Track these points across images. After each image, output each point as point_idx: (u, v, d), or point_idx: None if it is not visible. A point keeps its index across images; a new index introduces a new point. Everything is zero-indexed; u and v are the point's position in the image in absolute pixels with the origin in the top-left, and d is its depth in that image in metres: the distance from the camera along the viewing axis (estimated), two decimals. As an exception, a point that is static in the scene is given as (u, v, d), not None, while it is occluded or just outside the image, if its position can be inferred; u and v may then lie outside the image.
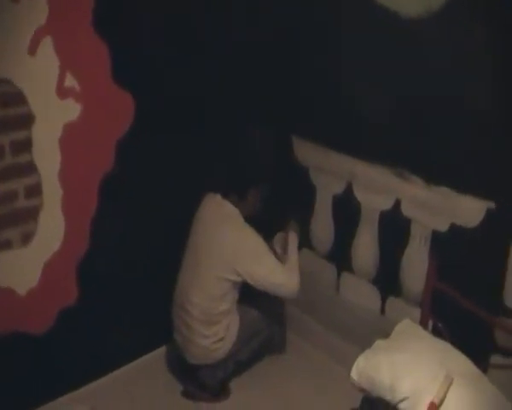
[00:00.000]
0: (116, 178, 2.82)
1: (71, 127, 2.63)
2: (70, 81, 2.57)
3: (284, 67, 3.28)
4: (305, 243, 3.38)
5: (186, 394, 3.10)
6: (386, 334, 2.68)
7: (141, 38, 2.78)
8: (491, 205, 2.61)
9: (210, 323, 2.95)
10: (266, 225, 3.11)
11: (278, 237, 3.22)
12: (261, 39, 3.18)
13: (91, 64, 2.63)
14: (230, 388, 3.15)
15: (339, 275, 3.35)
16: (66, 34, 2.51)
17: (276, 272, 2.92)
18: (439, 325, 2.74)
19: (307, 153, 3.33)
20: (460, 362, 2.47)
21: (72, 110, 2.62)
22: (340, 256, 3.16)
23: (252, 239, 2.93)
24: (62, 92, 2.56)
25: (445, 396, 2.28)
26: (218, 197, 2.99)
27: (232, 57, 3.14)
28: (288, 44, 3.23)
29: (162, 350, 3.30)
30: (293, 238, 3.10)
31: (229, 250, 2.89)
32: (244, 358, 3.15)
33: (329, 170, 3.24)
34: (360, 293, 3.26)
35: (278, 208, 3.33)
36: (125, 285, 3.01)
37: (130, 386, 3.09)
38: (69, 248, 2.75)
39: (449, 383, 2.31)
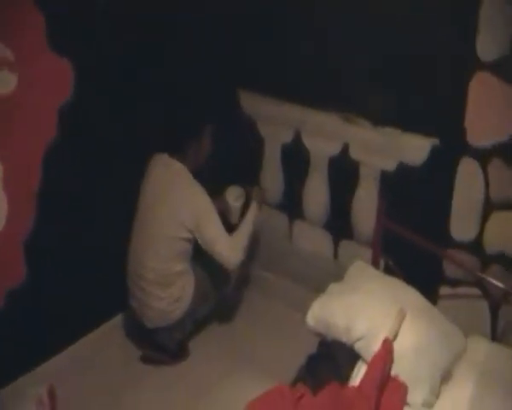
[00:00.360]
0: (59, 149, 2.70)
1: (7, 99, 2.47)
2: (2, 51, 2.42)
3: (230, 22, 3.25)
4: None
5: (145, 358, 3.08)
6: (340, 277, 2.77)
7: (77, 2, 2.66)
8: (436, 142, 2.69)
9: (165, 284, 2.92)
10: (216, 177, 3.12)
11: (231, 189, 3.21)
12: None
13: (25, 31, 2.48)
14: (189, 348, 3.15)
15: (291, 224, 3.39)
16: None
17: (220, 240, 2.88)
18: (391, 263, 2.85)
19: (254, 105, 3.32)
20: (412, 297, 2.57)
21: (6, 81, 2.46)
22: (292, 205, 3.18)
23: (201, 198, 2.89)
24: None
25: (398, 331, 2.37)
26: (165, 157, 2.94)
27: (176, 12, 3.06)
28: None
29: (119, 318, 3.26)
30: (253, 209, 3.08)
31: (180, 208, 2.85)
32: (201, 316, 3.15)
33: (277, 120, 3.24)
34: (313, 239, 3.31)
35: (228, 161, 3.34)
36: (76, 258, 2.92)
37: (89, 358, 3.04)
38: (13, 227, 2.62)
39: (402, 317, 2.41)
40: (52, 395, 2.67)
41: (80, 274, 2.96)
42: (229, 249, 2.89)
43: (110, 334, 3.19)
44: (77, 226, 2.90)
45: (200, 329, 3.23)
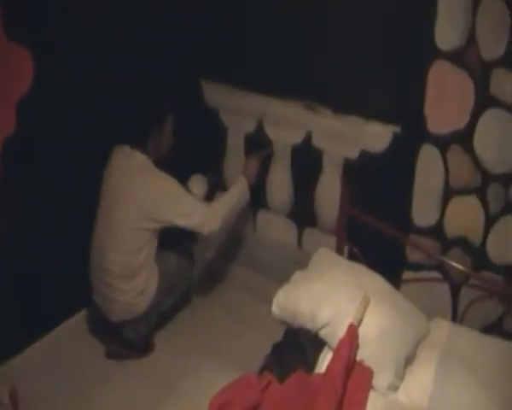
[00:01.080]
0: (19, 141, 2.65)
1: None
2: None
3: (192, 10, 3.21)
4: (218, 186, 3.41)
5: (110, 354, 3.06)
6: (304, 266, 2.79)
7: None
8: (397, 129, 2.74)
9: (129, 277, 2.91)
10: (179, 167, 3.10)
11: (194, 178, 3.22)
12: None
13: None
14: (155, 341, 3.13)
15: (254, 213, 3.41)
16: None
17: (194, 212, 2.90)
18: (355, 249, 2.90)
19: (217, 95, 3.31)
20: (375, 282, 2.62)
21: None
22: (255, 194, 3.18)
23: (165, 183, 2.88)
24: None
25: (363, 316, 2.41)
26: (127, 148, 2.91)
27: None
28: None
29: (82, 314, 3.23)
30: (240, 182, 3.08)
31: (144, 199, 2.83)
32: (166, 309, 3.14)
33: (240, 110, 3.25)
34: (277, 228, 3.33)
35: (191, 151, 3.35)
36: (37, 254, 2.89)
37: (52, 356, 3.00)
38: None
39: (366, 303, 2.44)
40: (14, 396, 2.61)
41: (41, 270, 2.91)
42: (203, 215, 2.91)
43: (73, 331, 3.16)
44: (36, 221, 2.85)
45: (166, 321, 3.23)
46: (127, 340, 3.02)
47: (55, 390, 2.83)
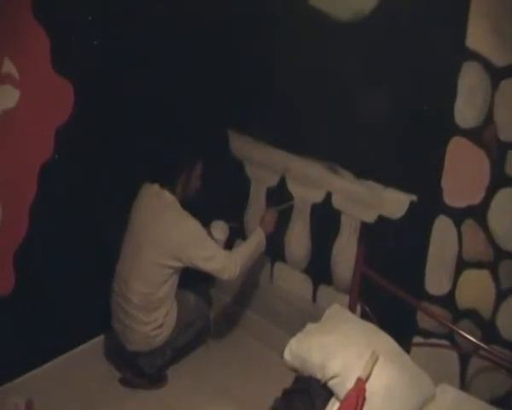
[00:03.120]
0: (56, 166, 2.83)
1: (9, 114, 2.60)
2: (8, 67, 2.54)
3: (223, 63, 3.38)
4: (238, 233, 3.48)
5: (124, 381, 3.14)
6: (317, 320, 2.80)
7: (83, 27, 2.79)
8: (414, 198, 2.81)
9: (149, 309, 3.00)
10: (203, 212, 3.18)
11: (216, 224, 3.29)
12: (199, 36, 3.27)
13: (30, 50, 2.61)
14: (167, 375, 3.21)
15: (272, 265, 3.47)
16: (5, 19, 2.48)
17: (216, 257, 2.99)
18: (367, 309, 2.91)
19: (242, 146, 3.43)
20: (385, 342, 2.63)
21: (10, 96, 2.59)
22: (274, 246, 3.27)
23: (191, 225, 2.97)
24: (0, 78, 2.54)
25: (371, 372, 2.44)
26: (156, 187, 3.03)
27: (173, 53, 3.20)
28: (226, 41, 3.34)
29: (100, 339, 3.32)
30: (258, 232, 3.16)
31: (170, 237, 2.93)
32: (181, 345, 3.21)
33: (264, 164, 3.35)
34: (293, 282, 3.38)
35: (215, 198, 3.42)
36: (63, 274, 3.02)
37: (68, 376, 3.09)
38: (6, 236, 2.74)
39: (375, 360, 2.47)
40: (30, 408, 2.76)
41: (66, 292, 3.04)
42: (224, 261, 3.00)
43: (91, 354, 3.26)
44: (65, 244, 2.99)
45: (180, 358, 3.30)
46: (141, 370, 3.11)
47: (67, 408, 2.93)
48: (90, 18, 2.80)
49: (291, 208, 3.30)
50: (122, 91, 3.02)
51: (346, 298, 3.03)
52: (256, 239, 3.15)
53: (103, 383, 3.14)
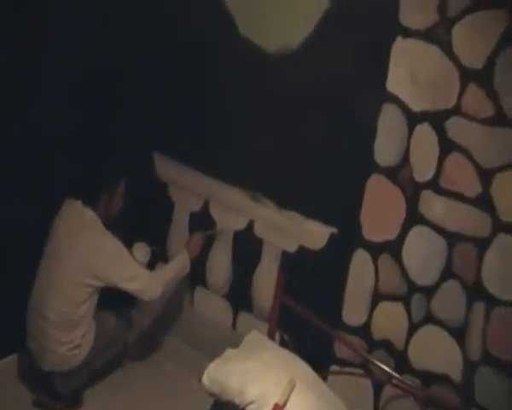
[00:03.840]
0: None
1: None
2: None
3: (154, 86, 3.39)
4: (159, 257, 3.46)
5: (38, 403, 3.08)
6: (236, 346, 2.85)
7: None
8: (334, 230, 2.90)
9: (67, 328, 2.96)
10: (125, 232, 3.18)
11: (138, 246, 3.27)
12: (130, 53, 3.28)
13: None
14: (83, 398, 3.17)
15: (193, 289, 3.48)
16: None
17: (137, 277, 2.99)
18: (285, 336, 2.98)
19: (167, 169, 3.43)
20: (302, 369, 2.71)
21: None
22: (196, 270, 3.26)
23: (112, 245, 2.96)
24: None
25: (288, 398, 2.50)
26: (79, 204, 2.99)
27: (100, 67, 3.18)
28: (157, 63, 3.35)
29: (13, 358, 3.23)
30: (182, 255, 3.16)
31: (90, 256, 2.91)
32: (98, 367, 3.18)
33: (188, 188, 3.36)
34: (213, 307, 3.41)
35: (138, 219, 3.43)
36: None
37: None
38: None
39: (292, 386, 2.53)
40: None
41: None
42: (146, 281, 2.99)
43: (3, 373, 3.17)
44: None
45: (97, 380, 3.26)
46: (56, 392, 3.05)
47: None
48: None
49: (215, 236, 3.33)
50: (43, 103, 2.98)
51: (265, 325, 3.08)
52: (180, 261, 3.16)
53: (16, 405, 3.07)
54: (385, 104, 2.64)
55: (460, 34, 2.43)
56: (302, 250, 2.99)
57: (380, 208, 2.75)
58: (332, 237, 2.90)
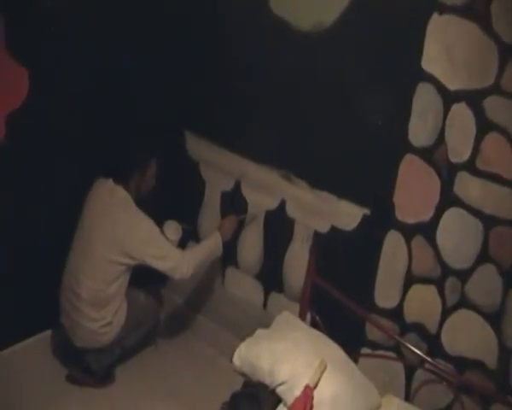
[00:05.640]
0: (6, 153, 2.80)
1: None
2: None
3: (185, 63, 3.39)
4: (191, 235, 3.50)
5: (71, 378, 3.15)
6: (267, 327, 2.89)
7: (41, 11, 2.76)
8: (367, 211, 2.89)
9: (99, 306, 3.01)
10: (157, 211, 3.19)
11: (169, 224, 3.27)
12: (158, 31, 3.27)
13: None
14: (115, 374, 3.24)
15: (224, 269, 3.51)
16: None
17: (169, 256, 3.01)
18: (317, 318, 3.01)
19: (198, 148, 3.45)
20: (334, 351, 2.74)
21: None
22: (227, 250, 3.26)
23: (144, 223, 2.99)
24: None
25: (319, 380, 2.53)
26: (110, 182, 3.02)
27: (129, 45, 3.17)
28: (187, 41, 3.36)
29: (47, 334, 3.29)
30: (215, 236, 3.17)
31: (122, 234, 2.95)
32: (130, 345, 3.23)
33: (219, 167, 3.38)
34: (244, 287, 3.43)
35: (169, 198, 3.46)
36: (10, 267, 2.99)
37: (13, 371, 3.08)
38: None
39: (323, 368, 2.56)
40: None
41: (14, 283, 3.03)
42: (177, 260, 3.01)
43: (38, 348, 3.24)
44: (15, 235, 2.98)
45: (128, 357, 3.32)
46: (89, 367, 3.12)
47: (12, 404, 2.93)
48: (48, 3, 2.77)
49: (249, 220, 3.34)
50: (80, 81, 3.00)
51: (296, 306, 3.10)
52: (213, 243, 3.18)
53: (50, 378, 3.15)
54: (420, 83, 2.62)
55: (499, 9, 2.39)
56: (334, 231, 3.01)
57: (414, 189, 2.73)
58: (364, 218, 2.90)
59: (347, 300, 2.87)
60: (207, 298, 3.60)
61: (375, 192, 2.86)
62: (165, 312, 3.57)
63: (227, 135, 3.31)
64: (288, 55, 3.02)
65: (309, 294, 3.04)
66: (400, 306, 2.85)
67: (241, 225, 3.33)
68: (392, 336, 2.85)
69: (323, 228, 3.06)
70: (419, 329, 2.81)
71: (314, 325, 3.01)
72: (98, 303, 3.03)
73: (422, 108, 2.64)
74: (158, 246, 3.03)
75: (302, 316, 3.05)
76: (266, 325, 2.89)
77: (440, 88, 2.57)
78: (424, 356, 2.73)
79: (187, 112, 3.48)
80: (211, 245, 3.18)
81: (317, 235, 3.09)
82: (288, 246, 3.22)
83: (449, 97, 2.56)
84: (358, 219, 2.92)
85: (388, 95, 2.74)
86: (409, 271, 2.81)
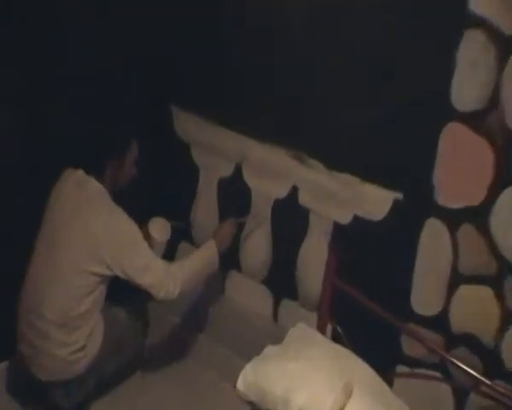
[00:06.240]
0: None
1: None
2: None
3: (167, 29, 3.28)
4: (182, 235, 3.43)
5: None
6: (279, 342, 2.80)
7: None
8: (399, 196, 2.71)
9: (69, 327, 2.84)
10: (139, 207, 3.08)
11: (155, 221, 3.18)
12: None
13: None
14: None
15: (224, 273, 3.42)
16: None
17: (151, 267, 2.86)
18: (339, 329, 2.90)
19: (189, 126, 3.35)
20: (361, 371, 2.61)
21: None
22: (226, 251, 3.15)
23: (122, 223, 2.85)
24: None
25: (343, 408, 2.40)
26: (80, 173, 2.86)
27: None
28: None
29: (1, 367, 3.18)
30: (210, 245, 3.05)
31: (95, 237, 2.79)
32: (108, 374, 3.10)
33: (215, 149, 3.27)
34: (249, 295, 3.36)
35: (155, 189, 3.40)
36: None
37: None
38: None
39: (348, 392, 2.44)
40: None
41: None
42: (162, 275, 2.86)
43: None
44: None
45: (106, 390, 3.19)
46: (56, 406, 2.97)
47: None
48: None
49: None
50: (40, 50, 2.91)
51: (314, 316, 3.05)
52: (206, 253, 3.05)
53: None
54: (467, 30, 2.39)
55: None
56: (358, 221, 2.86)
57: (459, 166, 2.55)
58: (396, 205, 2.74)
59: (377, 306, 2.74)
60: (204, 310, 3.52)
61: (410, 171, 2.68)
62: (153, 331, 3.40)
63: (223, 108, 3.20)
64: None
65: (329, 300, 2.95)
66: (445, 312, 2.71)
67: (241, 229, 3.26)
68: (436, 350, 2.69)
69: (345, 219, 2.91)
70: (471, 341, 2.66)
71: (336, 338, 2.93)
72: (68, 324, 2.84)
73: (470, 62, 2.42)
74: (137, 253, 2.86)
75: (321, 328, 2.98)
76: (277, 340, 2.80)
77: (494, 34, 2.34)
78: (479, 376, 2.56)
79: (173, 82, 3.37)
80: (204, 256, 3.04)
81: (337, 228, 2.96)
82: (302, 243, 3.11)
83: (505, 45, 2.34)
84: (388, 206, 2.75)
85: (425, 48, 2.54)
86: (455, 268, 2.65)
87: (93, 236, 2.79)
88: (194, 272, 2.99)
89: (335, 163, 2.88)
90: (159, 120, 3.39)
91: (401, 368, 2.86)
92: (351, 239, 2.90)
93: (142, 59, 3.28)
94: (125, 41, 3.19)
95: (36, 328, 2.87)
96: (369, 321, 2.75)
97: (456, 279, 2.66)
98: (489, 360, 2.62)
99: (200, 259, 3.03)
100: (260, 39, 3.00)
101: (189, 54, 3.26)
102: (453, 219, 2.60)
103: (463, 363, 2.59)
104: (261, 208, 3.21)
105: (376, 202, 2.79)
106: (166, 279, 2.87)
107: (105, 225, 2.82)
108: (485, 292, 2.59)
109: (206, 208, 3.40)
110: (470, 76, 2.43)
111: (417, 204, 2.68)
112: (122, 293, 2.99)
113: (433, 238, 2.67)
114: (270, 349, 2.71)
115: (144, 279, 2.85)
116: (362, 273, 2.85)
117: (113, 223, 2.83)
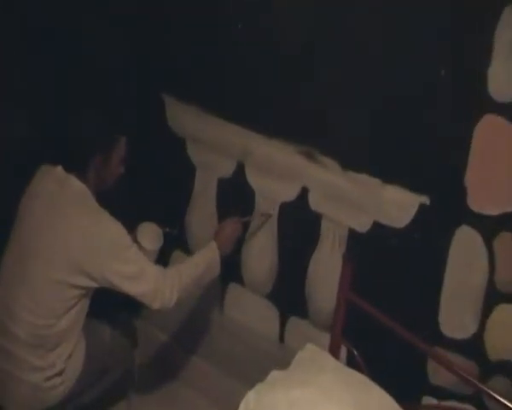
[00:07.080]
0: None
1: None
2: None
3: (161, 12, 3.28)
4: (176, 242, 3.44)
5: None
6: (286, 366, 2.74)
7: None
8: (425, 200, 2.68)
9: (44, 348, 2.78)
10: (126, 209, 3.01)
11: (145, 227, 3.16)
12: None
13: None
14: None
15: (224, 287, 3.42)
16: None
17: (144, 275, 2.80)
18: (355, 352, 2.83)
19: (184, 119, 3.34)
20: (380, 402, 2.54)
21: None
22: (226, 263, 3.14)
23: (109, 227, 2.76)
24: None
25: None
26: (59, 170, 2.80)
27: None
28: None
29: None
30: (210, 248, 3.01)
31: (76, 243, 2.71)
32: (90, 402, 3.05)
33: (214, 145, 3.26)
34: (252, 312, 3.35)
35: (145, 190, 3.44)
36: None
37: None
38: None
39: None
40: None
41: None
42: (156, 282, 2.82)
43: None
44: None
45: None
46: None
47: None
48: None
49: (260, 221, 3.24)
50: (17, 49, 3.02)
51: (326, 337, 2.97)
52: (207, 256, 2.99)
53: None
54: (507, 7, 2.28)
55: None
56: (378, 229, 2.83)
57: (496, 166, 2.48)
58: (422, 210, 2.69)
59: (398, 327, 2.63)
60: (200, 329, 3.53)
61: (438, 172, 2.64)
62: (141, 352, 3.38)
63: (224, 99, 3.19)
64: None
65: (343, 319, 2.86)
66: (479, 336, 2.66)
67: (246, 230, 3.24)
68: (469, 379, 2.57)
69: (362, 226, 2.89)
70: (510, 370, 2.61)
71: (351, 363, 2.87)
72: (43, 345, 2.78)
73: (511, 46, 2.34)
74: (127, 260, 2.80)
75: (334, 351, 2.89)
76: (283, 364, 2.71)
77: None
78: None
79: (166, 70, 3.37)
80: (204, 260, 2.99)
81: (353, 236, 2.94)
82: (313, 252, 3.09)
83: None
84: (413, 212, 2.71)
85: (456, 31, 2.47)
86: (491, 284, 2.59)
87: (72, 243, 2.73)
88: (194, 278, 2.94)
89: (352, 162, 2.84)
90: (149, 112, 3.40)
91: (427, 399, 2.82)
92: (369, 249, 2.88)
93: (133, 42, 3.29)
94: (112, 26, 3.23)
95: (4, 349, 2.82)
96: (390, 344, 2.69)
97: (493, 297, 2.61)
98: (532, 391, 2.56)
99: (201, 263, 2.98)
100: (269, 18, 2.96)
101: (183, 34, 3.24)
102: (489, 227, 2.55)
103: (501, 395, 2.48)
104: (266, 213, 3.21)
105: (399, 206, 2.76)
106: (161, 286, 2.82)
107: (86, 230, 2.75)
108: (529, 312, 2.52)
109: (203, 213, 3.38)
110: (510, 61, 2.36)
111: (447, 209, 2.64)
112: (106, 307, 2.96)
113: (465, 249, 2.62)
114: (275, 375, 2.63)
115: (136, 289, 2.80)
116: (381, 288, 2.82)
117: (95, 227, 2.76)
